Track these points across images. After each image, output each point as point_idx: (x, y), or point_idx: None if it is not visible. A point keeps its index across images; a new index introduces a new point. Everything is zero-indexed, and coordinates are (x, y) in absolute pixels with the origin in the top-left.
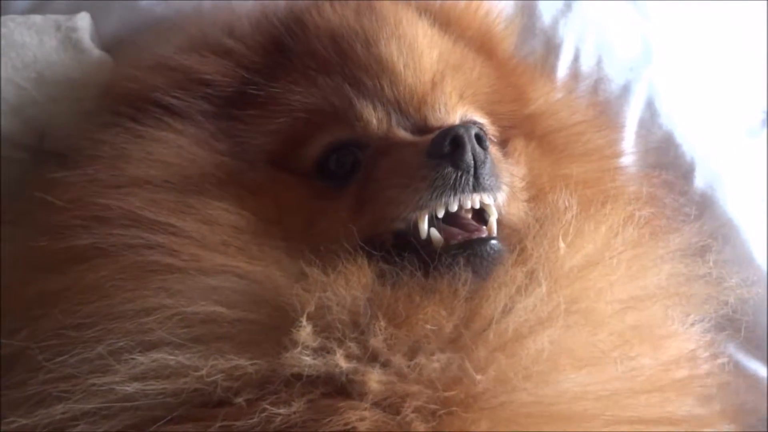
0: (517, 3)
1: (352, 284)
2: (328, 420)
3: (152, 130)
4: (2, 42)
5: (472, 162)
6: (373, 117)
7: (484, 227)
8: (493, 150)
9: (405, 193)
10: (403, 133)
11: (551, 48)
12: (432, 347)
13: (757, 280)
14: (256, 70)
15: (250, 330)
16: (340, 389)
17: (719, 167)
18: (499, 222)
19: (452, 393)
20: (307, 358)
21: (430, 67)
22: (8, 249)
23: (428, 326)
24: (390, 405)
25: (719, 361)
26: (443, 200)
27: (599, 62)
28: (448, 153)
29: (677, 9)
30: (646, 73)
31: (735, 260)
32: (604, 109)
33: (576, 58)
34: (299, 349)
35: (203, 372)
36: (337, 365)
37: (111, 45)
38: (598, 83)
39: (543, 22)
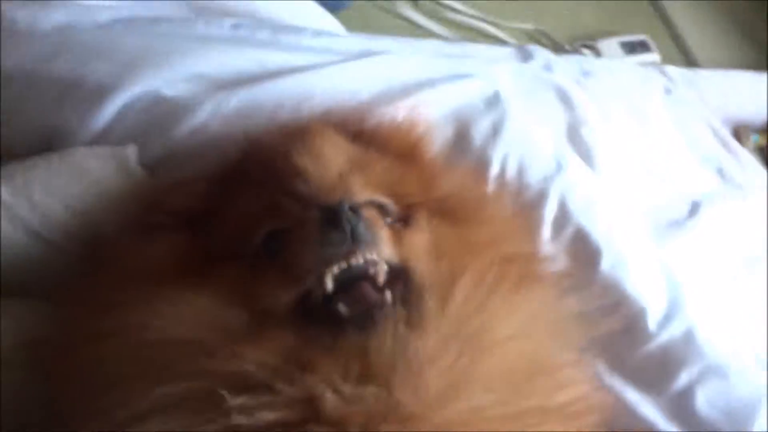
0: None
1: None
2: None
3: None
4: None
5: (348, 224)
6: (293, 208)
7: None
8: (373, 216)
9: (307, 254)
10: (315, 215)
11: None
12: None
13: None
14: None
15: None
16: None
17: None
18: (396, 274)
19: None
20: (242, 418)
21: (335, 167)
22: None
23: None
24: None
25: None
26: (332, 252)
27: (520, 174)
28: (331, 221)
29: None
30: (558, 180)
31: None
32: (523, 208)
33: (502, 172)
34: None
35: None
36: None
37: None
38: (519, 189)
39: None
